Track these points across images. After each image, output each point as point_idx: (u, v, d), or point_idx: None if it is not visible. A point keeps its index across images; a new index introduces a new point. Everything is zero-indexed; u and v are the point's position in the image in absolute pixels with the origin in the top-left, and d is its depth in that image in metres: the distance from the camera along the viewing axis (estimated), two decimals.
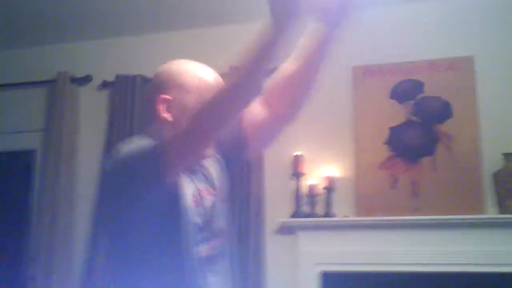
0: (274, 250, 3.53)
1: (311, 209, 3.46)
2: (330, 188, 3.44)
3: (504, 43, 3.43)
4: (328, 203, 3.44)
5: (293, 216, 3.48)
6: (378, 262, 3.33)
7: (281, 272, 3.49)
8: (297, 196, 3.48)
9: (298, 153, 3.52)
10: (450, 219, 3.25)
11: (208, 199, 1.47)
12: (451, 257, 3.23)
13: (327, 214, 3.43)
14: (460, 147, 3.34)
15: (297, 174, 3.51)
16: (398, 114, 3.48)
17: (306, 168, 3.51)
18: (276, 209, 3.56)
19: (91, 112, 4.10)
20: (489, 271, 3.19)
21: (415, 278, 3.29)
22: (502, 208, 3.21)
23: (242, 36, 3.78)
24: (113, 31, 4.06)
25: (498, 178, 3.24)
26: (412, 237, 3.30)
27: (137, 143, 1.39)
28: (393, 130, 3.47)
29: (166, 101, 1.45)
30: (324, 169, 3.49)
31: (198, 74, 1.48)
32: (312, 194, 3.46)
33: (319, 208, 3.46)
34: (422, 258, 3.27)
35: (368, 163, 3.46)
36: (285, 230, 3.52)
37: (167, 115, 1.44)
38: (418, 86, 3.49)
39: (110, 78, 4.03)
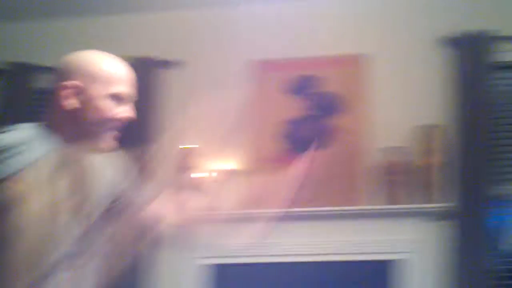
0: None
1: None
2: (224, 181, 3.51)
3: (399, 43, 3.63)
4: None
5: None
6: (268, 254, 3.44)
7: (170, 266, 3.50)
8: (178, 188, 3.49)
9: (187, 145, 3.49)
10: (336, 210, 3.42)
11: (72, 212, 1.38)
12: (336, 246, 3.41)
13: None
14: (352, 140, 3.54)
15: (182, 166, 3.45)
16: (294, 108, 3.62)
17: (200, 161, 3.53)
18: None
19: None
20: (377, 259, 3.42)
21: (307, 268, 3.44)
22: (392, 199, 3.43)
23: (144, 25, 3.87)
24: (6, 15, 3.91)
25: (387, 170, 3.46)
26: (304, 228, 3.44)
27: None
28: (289, 123, 3.61)
29: (71, 87, 1.40)
30: (219, 162, 3.54)
31: (107, 65, 1.44)
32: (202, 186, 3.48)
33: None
34: (313, 249, 3.42)
35: (263, 156, 3.56)
36: None
37: (70, 102, 1.39)
38: (314, 81, 3.65)
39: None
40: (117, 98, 1.41)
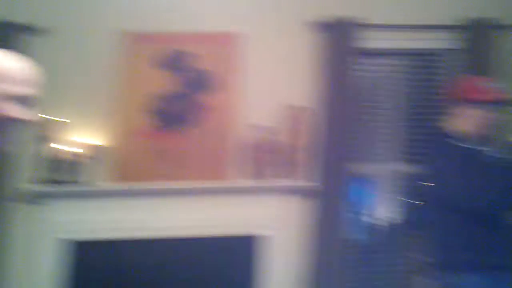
0: (19, 220, 3.37)
1: (66, 176, 3.36)
2: (90, 155, 3.41)
3: (273, 24, 3.70)
4: (85, 170, 3.40)
5: (42, 183, 3.33)
6: (134, 229, 3.41)
7: (27, 244, 3.37)
8: (48, 162, 3.36)
9: (51, 116, 3.35)
10: (204, 186, 3.46)
11: None
12: (204, 222, 3.46)
13: (82, 181, 3.37)
14: (222, 118, 3.57)
15: (45, 138, 3.35)
16: (166, 83, 3.58)
17: (67, 134, 3.42)
18: (21, 176, 3.37)
19: None
20: (243, 234, 3.51)
21: (173, 243, 3.44)
22: (259, 176, 3.52)
23: None
24: None
25: (255, 148, 3.54)
26: (171, 204, 3.44)
27: None
28: (159, 99, 3.56)
29: None
30: (86, 135, 3.44)
31: (10, 64, 1.40)
32: (69, 161, 3.36)
33: (75, 176, 3.38)
34: (180, 224, 3.44)
35: (132, 131, 3.49)
36: (33, 198, 3.36)
37: None
38: (187, 57, 3.63)
39: None
40: (19, 99, 1.34)
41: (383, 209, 3.82)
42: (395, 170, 3.83)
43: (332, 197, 3.53)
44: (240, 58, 3.64)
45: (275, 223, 3.54)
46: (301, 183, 3.54)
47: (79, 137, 3.42)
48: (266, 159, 3.54)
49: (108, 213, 3.39)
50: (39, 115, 3.27)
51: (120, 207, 3.40)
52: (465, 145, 2.51)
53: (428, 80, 3.85)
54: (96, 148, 3.42)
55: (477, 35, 3.71)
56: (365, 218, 3.81)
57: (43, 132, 3.36)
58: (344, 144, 3.56)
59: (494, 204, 2.38)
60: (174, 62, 3.61)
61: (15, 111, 1.38)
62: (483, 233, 2.43)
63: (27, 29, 3.54)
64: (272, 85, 3.65)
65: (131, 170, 3.45)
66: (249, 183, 3.51)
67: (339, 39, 3.65)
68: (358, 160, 3.74)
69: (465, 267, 2.43)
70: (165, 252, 3.44)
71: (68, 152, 3.37)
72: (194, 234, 3.47)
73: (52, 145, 3.35)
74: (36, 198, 3.36)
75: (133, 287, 3.40)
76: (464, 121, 2.56)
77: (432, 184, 2.58)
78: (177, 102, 3.58)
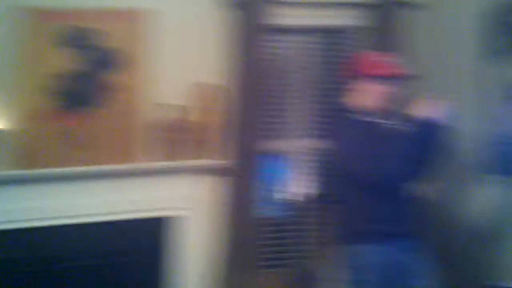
0: None
1: None
2: None
3: (181, 0, 3.62)
4: None
5: None
6: (39, 217, 3.27)
7: None
8: None
9: None
10: (113, 168, 3.35)
11: None
12: (113, 206, 3.37)
13: None
14: (130, 97, 3.46)
15: None
16: (68, 62, 3.43)
17: None
18: None
19: None
20: (155, 216, 3.45)
21: (84, 229, 3.34)
22: (169, 156, 3.46)
23: None
24: None
25: (165, 127, 3.47)
26: (80, 188, 3.32)
27: None
28: (62, 79, 3.41)
29: None
30: None
31: None
32: None
33: None
34: (90, 209, 3.34)
35: (33, 113, 3.33)
36: None
37: None
38: (92, 34, 3.49)
39: None
40: None
41: (296, 185, 3.86)
42: (307, 146, 3.87)
43: (246, 175, 3.53)
44: (149, 35, 3.55)
45: (188, 203, 3.50)
46: (214, 162, 3.50)
47: None
48: (177, 139, 3.48)
49: (8, 201, 3.22)
50: None
51: (21, 194, 3.24)
52: (365, 119, 2.56)
53: (337, 57, 3.89)
54: None
55: (387, 13, 3.78)
56: (279, 195, 3.84)
57: None
58: (256, 121, 3.56)
59: (392, 175, 2.44)
60: (78, 40, 3.46)
61: None
62: (382, 203, 2.49)
63: None
64: (183, 63, 3.57)
65: (34, 154, 3.29)
66: (161, 164, 3.44)
67: (250, 16, 3.62)
68: (271, 137, 3.76)
69: (365, 238, 2.49)
70: (74, 239, 3.33)
71: None
72: (105, 219, 3.37)
73: None
74: None
75: (37, 277, 3.29)
76: (364, 96, 2.60)
77: (337, 158, 2.62)
78: (82, 82, 3.44)
